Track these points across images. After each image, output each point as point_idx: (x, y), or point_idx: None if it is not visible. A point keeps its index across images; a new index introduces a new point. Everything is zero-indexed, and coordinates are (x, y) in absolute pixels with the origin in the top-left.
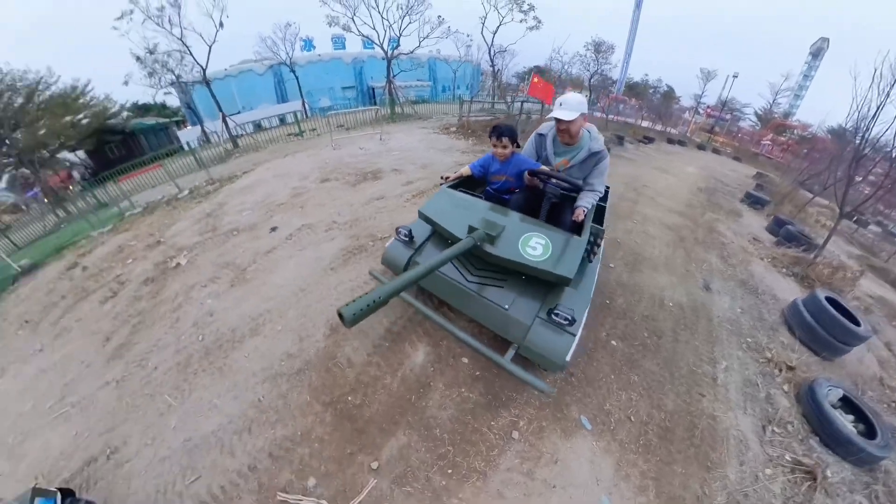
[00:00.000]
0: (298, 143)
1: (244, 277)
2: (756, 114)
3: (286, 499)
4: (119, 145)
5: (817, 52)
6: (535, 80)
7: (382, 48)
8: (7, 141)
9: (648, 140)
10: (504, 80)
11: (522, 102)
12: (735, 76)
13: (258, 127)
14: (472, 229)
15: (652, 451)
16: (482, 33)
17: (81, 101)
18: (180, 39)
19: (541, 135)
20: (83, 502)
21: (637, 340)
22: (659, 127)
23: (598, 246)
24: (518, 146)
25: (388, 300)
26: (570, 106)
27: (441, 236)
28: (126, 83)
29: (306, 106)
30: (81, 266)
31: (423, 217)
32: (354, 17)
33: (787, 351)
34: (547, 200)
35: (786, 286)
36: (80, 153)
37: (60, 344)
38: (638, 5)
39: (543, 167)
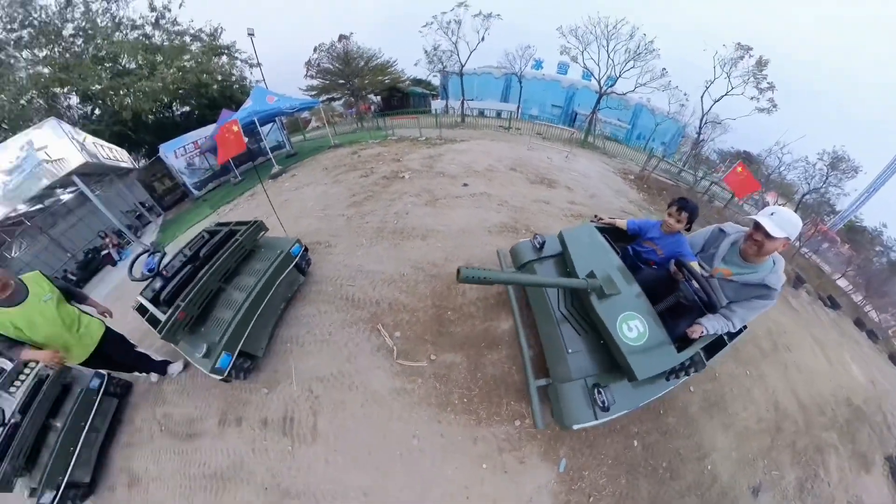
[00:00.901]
0: (504, 134)
1: (435, 203)
2: None
3: (381, 330)
4: (398, 99)
5: None
6: (740, 169)
7: (599, 82)
8: (349, 83)
9: (833, 304)
10: (704, 151)
11: (712, 183)
12: None
13: (481, 113)
14: (591, 275)
15: None
16: (702, 97)
17: (389, 69)
18: (455, 45)
19: (722, 231)
20: (308, 255)
21: (654, 460)
22: (857, 298)
23: (688, 374)
24: (688, 229)
25: (494, 284)
26: (782, 222)
27: (564, 261)
28: (416, 65)
29: (520, 110)
30: (358, 154)
31: (560, 238)
32: (585, 52)
33: None
34: (675, 296)
35: None
36: (378, 98)
37: (334, 185)
38: None
39: (694, 265)
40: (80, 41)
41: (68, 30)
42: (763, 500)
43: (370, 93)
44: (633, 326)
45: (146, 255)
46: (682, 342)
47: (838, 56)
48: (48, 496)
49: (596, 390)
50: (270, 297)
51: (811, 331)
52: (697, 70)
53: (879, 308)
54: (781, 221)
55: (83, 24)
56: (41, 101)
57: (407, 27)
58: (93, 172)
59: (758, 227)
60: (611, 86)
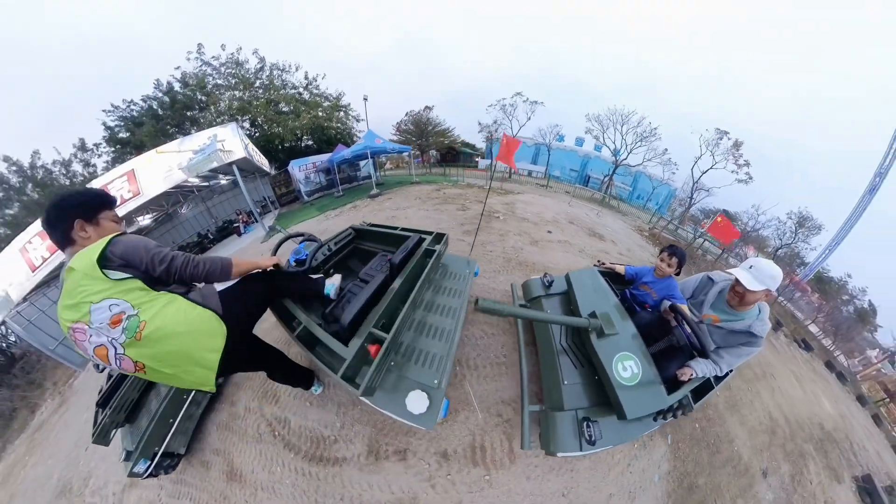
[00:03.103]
0: (543, 189)
1: (536, 244)
2: None
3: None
4: (452, 155)
5: None
6: (720, 219)
7: (615, 156)
8: (419, 140)
9: (806, 347)
10: (691, 211)
11: (704, 240)
12: None
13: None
14: (593, 315)
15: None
16: (692, 169)
17: (448, 134)
18: (510, 121)
19: (710, 279)
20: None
21: (707, 438)
22: (827, 342)
23: (675, 417)
24: (678, 273)
25: (504, 316)
26: (760, 275)
27: (569, 299)
28: (479, 133)
29: (546, 171)
30: (443, 192)
31: (567, 279)
32: (605, 133)
33: None
34: (667, 340)
35: None
36: (436, 152)
37: (436, 213)
38: (871, 191)
39: (685, 309)
40: (261, 91)
41: (256, 83)
42: (770, 481)
43: (431, 148)
44: (627, 367)
45: (295, 239)
46: (671, 384)
47: (801, 130)
48: (142, 466)
49: (585, 423)
50: None
51: (789, 367)
52: (687, 144)
53: (847, 353)
54: (760, 275)
55: (266, 81)
56: (228, 122)
57: (462, 104)
58: (245, 167)
59: (737, 282)
60: (622, 159)
